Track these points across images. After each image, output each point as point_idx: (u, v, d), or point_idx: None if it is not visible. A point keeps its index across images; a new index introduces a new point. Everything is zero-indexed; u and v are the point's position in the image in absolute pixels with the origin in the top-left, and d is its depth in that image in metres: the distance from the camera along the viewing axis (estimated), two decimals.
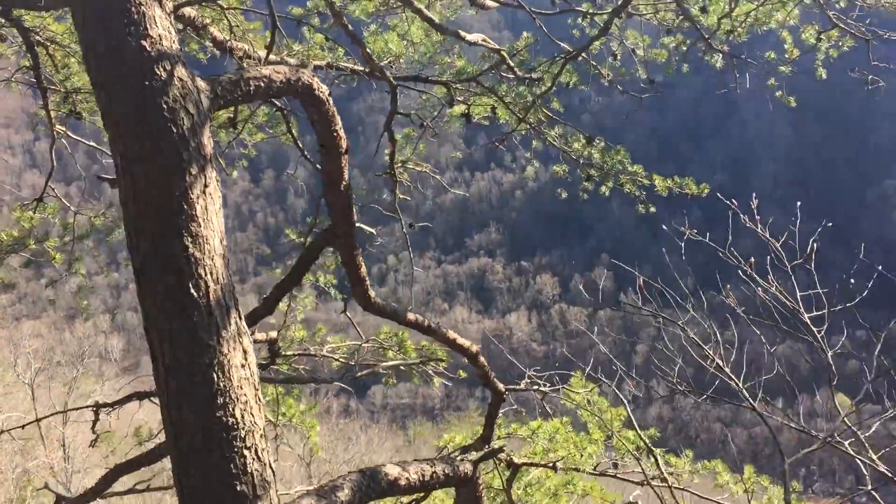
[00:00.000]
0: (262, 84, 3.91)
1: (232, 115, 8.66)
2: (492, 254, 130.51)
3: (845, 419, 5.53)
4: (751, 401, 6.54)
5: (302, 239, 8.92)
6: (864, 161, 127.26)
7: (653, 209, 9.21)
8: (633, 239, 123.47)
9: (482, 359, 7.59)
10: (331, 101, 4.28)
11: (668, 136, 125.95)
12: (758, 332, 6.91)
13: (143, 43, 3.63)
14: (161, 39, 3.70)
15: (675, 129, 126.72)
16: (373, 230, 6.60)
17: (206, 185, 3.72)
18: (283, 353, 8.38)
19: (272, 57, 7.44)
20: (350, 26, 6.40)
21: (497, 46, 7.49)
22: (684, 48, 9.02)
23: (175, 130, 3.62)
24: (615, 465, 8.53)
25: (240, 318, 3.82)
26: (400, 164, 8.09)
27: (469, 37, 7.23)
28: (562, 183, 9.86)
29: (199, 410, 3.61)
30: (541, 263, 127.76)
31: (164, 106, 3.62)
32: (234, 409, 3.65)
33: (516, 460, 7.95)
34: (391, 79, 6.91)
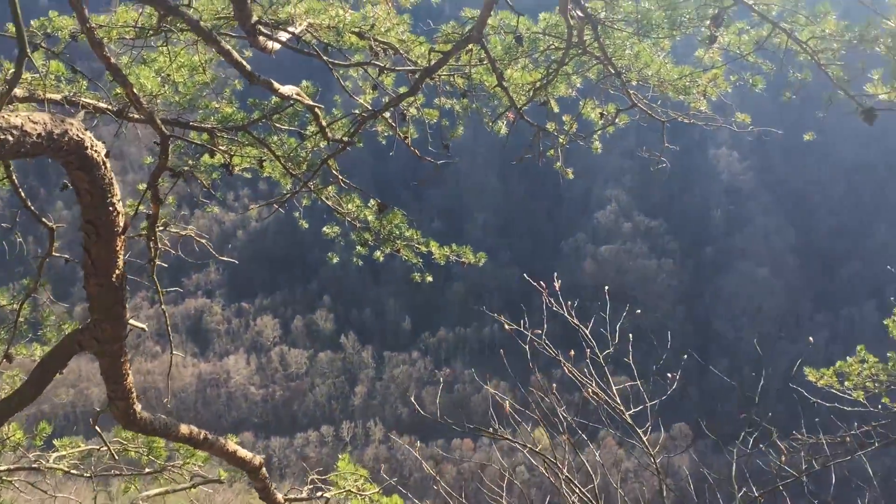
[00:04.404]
0: (11, 138, 2.64)
1: None
2: (210, 294, 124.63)
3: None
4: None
5: (14, 306, 7.18)
6: (560, 215, 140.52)
7: (430, 278, 8.68)
8: (355, 281, 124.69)
9: (264, 470, 6.43)
10: (108, 165, 3.09)
11: (390, 184, 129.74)
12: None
13: None
14: None
15: (396, 177, 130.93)
16: (144, 326, 5.23)
17: None
18: None
19: None
20: (111, 59, 5.10)
21: (313, 103, 6.53)
22: (464, 111, 8.71)
23: None
24: None
25: None
26: (162, 228, 6.75)
27: (283, 89, 6.20)
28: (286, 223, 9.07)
29: None
30: (262, 305, 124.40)
31: None
32: None
33: None
34: (163, 128, 5.65)
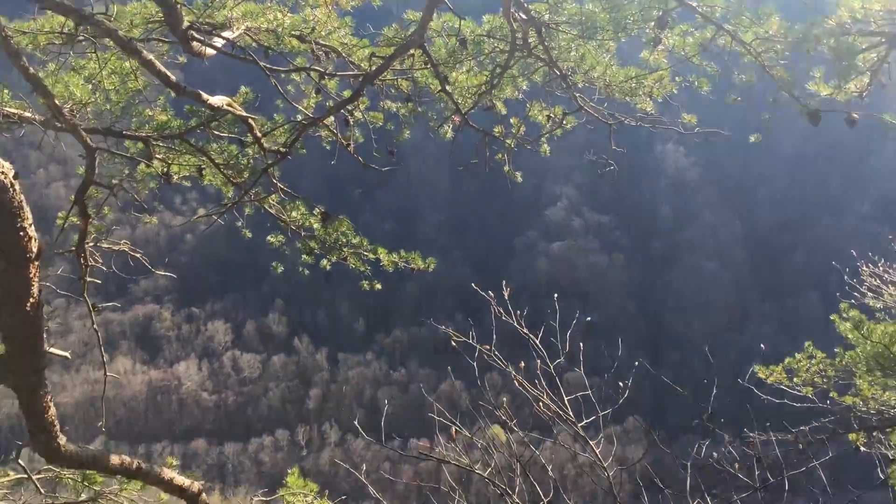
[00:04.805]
0: None
1: None
2: (159, 300, 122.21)
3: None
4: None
5: None
6: (511, 213, 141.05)
7: (378, 286, 8.50)
8: (306, 283, 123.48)
9: (204, 497, 6.16)
10: (17, 187, 2.84)
11: (341, 185, 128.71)
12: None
13: None
14: None
15: (347, 176, 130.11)
16: (67, 354, 4.94)
17: None
18: None
19: None
20: (31, 68, 4.80)
21: (245, 114, 6.28)
22: (410, 115, 8.57)
23: None
24: None
25: None
26: (92, 244, 6.43)
27: (213, 100, 5.93)
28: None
29: None
30: (213, 309, 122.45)
31: None
32: None
33: None
34: (88, 140, 5.36)
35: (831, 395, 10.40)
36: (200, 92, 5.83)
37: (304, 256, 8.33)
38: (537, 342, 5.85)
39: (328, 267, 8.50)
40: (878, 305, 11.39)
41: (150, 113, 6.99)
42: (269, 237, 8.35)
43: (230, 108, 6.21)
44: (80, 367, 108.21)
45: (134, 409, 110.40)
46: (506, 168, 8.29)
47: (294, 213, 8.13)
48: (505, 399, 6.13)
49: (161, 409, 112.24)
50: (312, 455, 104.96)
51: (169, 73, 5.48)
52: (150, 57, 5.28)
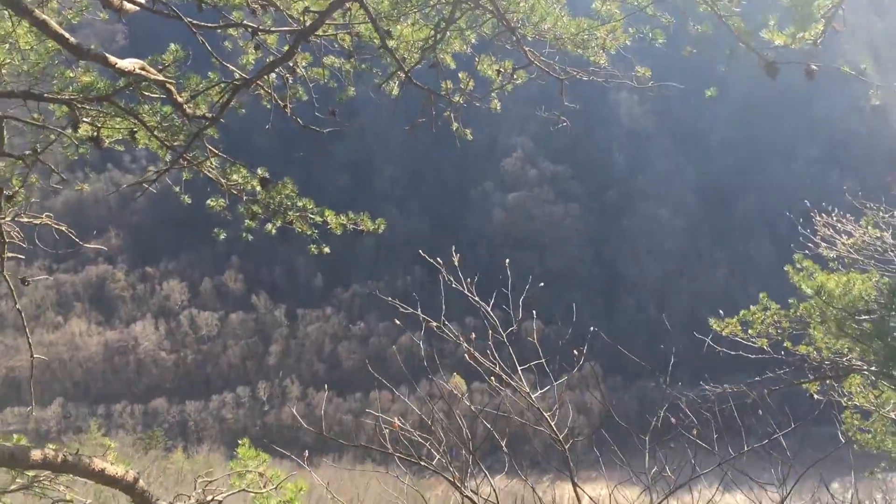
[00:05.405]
0: None
1: None
2: (112, 260, 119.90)
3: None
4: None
5: None
6: (467, 164, 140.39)
7: (327, 250, 8.22)
8: (262, 240, 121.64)
9: (141, 483, 5.88)
10: None
11: (293, 139, 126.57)
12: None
13: None
14: None
15: (299, 132, 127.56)
16: None
17: None
18: None
19: None
20: None
21: (162, 78, 5.84)
22: (352, 71, 8.21)
23: None
24: None
25: None
26: (10, 218, 6.00)
27: (122, 63, 5.48)
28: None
29: None
30: (168, 268, 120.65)
31: None
32: None
33: None
34: None
35: (786, 345, 10.47)
36: (107, 55, 5.38)
37: (247, 221, 7.99)
38: (489, 310, 5.66)
39: (273, 231, 8.19)
40: (832, 255, 11.44)
41: (72, 74, 6.51)
42: (209, 201, 7.98)
43: (143, 73, 5.76)
44: (34, 330, 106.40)
45: (91, 371, 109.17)
46: (454, 126, 7.99)
47: (235, 177, 7.77)
48: (455, 386, 5.94)
49: (119, 369, 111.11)
50: (275, 411, 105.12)
51: (67, 35, 5.01)
52: (44, 16, 4.80)
